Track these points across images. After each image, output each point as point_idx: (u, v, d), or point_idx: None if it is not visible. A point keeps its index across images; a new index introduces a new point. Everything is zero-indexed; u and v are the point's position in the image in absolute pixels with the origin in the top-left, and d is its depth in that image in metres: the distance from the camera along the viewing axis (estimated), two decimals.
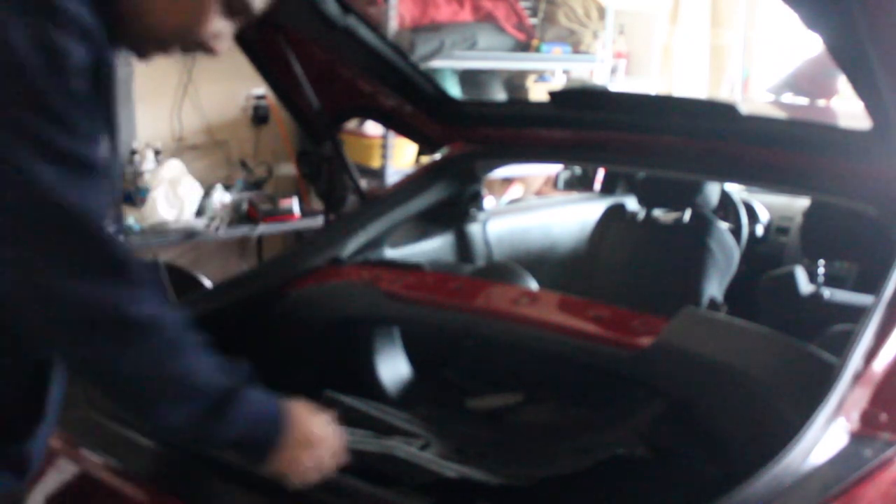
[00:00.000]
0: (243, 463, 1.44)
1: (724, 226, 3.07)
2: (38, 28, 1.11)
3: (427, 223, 2.80)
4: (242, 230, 4.55)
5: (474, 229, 2.92)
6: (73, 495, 1.69)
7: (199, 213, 4.46)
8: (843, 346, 1.55)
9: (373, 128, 4.69)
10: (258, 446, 1.33)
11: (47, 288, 1.14)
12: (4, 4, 1.11)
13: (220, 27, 1.32)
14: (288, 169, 4.97)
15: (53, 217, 1.13)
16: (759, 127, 2.28)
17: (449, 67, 4.88)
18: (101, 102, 1.21)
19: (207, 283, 3.32)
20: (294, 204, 4.65)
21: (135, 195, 4.39)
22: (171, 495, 1.55)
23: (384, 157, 4.70)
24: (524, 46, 5.04)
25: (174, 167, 4.43)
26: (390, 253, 2.57)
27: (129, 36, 1.29)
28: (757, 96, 6.34)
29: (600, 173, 3.74)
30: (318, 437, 1.39)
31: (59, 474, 1.72)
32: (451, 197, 2.75)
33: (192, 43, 1.31)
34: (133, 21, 1.26)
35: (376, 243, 2.51)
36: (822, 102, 3.85)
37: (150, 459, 1.63)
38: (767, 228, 3.40)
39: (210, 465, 1.57)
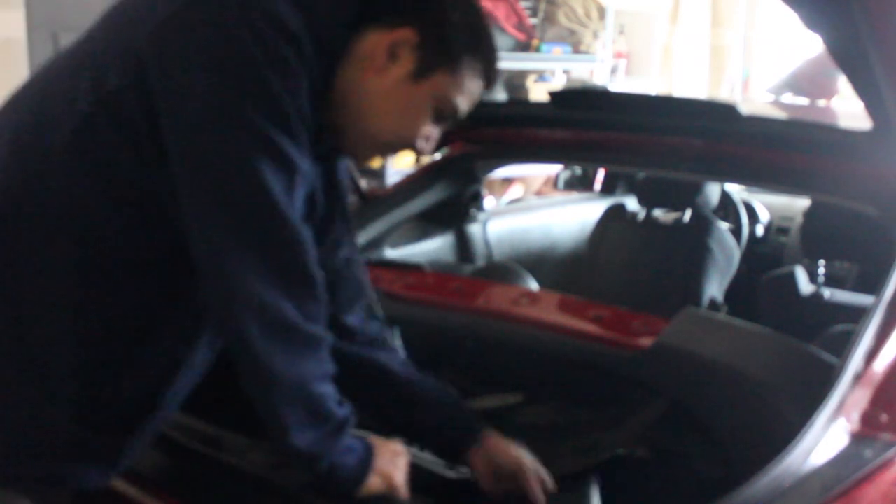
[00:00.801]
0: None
1: (724, 226, 3.07)
2: (275, 48, 1.19)
3: (427, 223, 2.80)
4: None
5: (474, 229, 2.92)
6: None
7: None
8: (843, 346, 1.55)
9: None
10: (347, 482, 1.35)
11: (251, 290, 1.20)
12: (251, 27, 1.18)
13: (431, 131, 1.41)
14: None
15: (277, 226, 1.21)
16: (759, 127, 2.28)
17: None
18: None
19: None
20: None
21: None
22: (170, 495, 1.55)
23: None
24: (524, 46, 5.04)
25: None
26: (390, 253, 2.57)
27: (345, 140, 1.38)
28: (757, 96, 6.35)
29: (600, 173, 3.74)
30: (391, 475, 1.42)
31: None
32: (451, 197, 2.75)
33: (404, 146, 1.41)
34: (350, 126, 1.36)
35: (376, 243, 2.51)
36: (822, 102, 3.86)
37: (149, 459, 1.63)
38: (767, 228, 3.40)
39: (210, 465, 1.57)
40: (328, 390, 1.30)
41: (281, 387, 1.26)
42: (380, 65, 1.32)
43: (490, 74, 1.43)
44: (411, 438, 1.66)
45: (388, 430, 1.62)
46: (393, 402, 1.63)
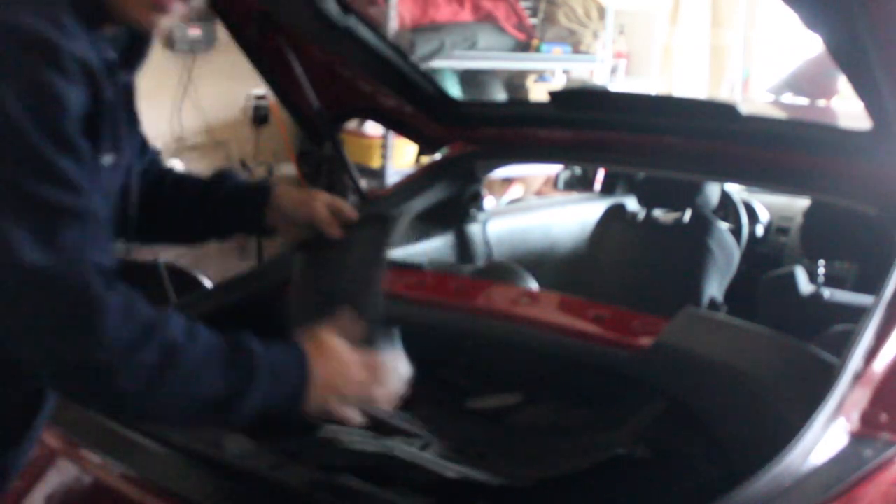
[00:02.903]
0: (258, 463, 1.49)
1: (724, 226, 3.07)
2: (35, 77, 1.11)
3: (427, 223, 2.80)
4: None
5: (474, 229, 2.92)
6: (73, 496, 1.69)
7: None
8: (843, 346, 1.55)
9: (373, 128, 4.70)
10: (287, 406, 1.28)
11: (37, 347, 1.13)
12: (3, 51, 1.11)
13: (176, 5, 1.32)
14: (288, 169, 4.97)
15: (28, 283, 1.10)
16: (759, 127, 2.28)
17: (449, 67, 4.89)
18: (103, 128, 1.22)
19: (207, 283, 3.32)
20: None
21: None
22: (170, 495, 1.55)
23: (384, 157, 4.70)
24: (524, 46, 5.05)
25: (174, 167, 4.43)
26: (390, 253, 2.57)
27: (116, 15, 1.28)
28: (757, 96, 6.35)
29: (600, 173, 3.74)
30: (348, 365, 1.35)
31: (60, 474, 1.72)
32: (451, 197, 2.75)
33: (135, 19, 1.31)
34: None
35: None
36: (822, 102, 3.86)
37: (149, 459, 1.63)
38: (767, 228, 3.40)
39: (210, 465, 1.57)
40: (188, 386, 1.19)
41: (127, 411, 1.21)
42: None
43: None
44: (214, 228, 1.68)
45: (195, 233, 1.69)
46: (190, 201, 1.64)
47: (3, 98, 1.09)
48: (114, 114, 1.26)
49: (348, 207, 1.66)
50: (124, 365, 1.13)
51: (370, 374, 1.40)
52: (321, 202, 1.64)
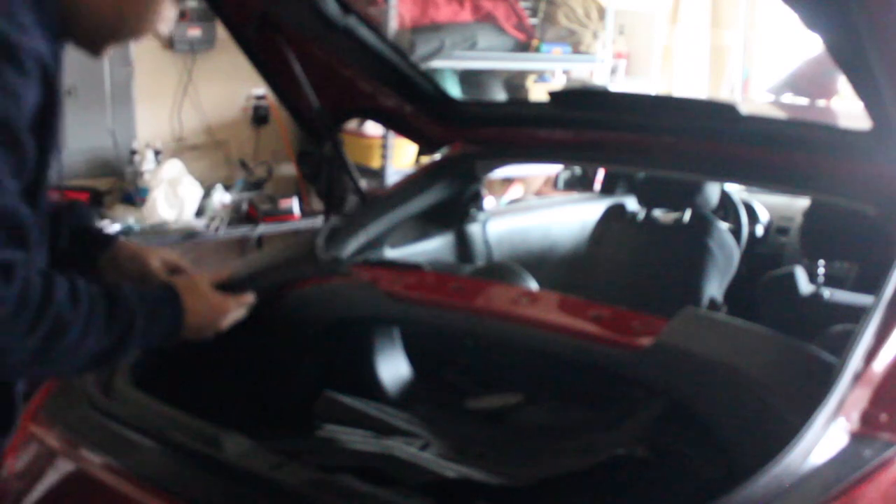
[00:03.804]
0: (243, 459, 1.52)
1: (724, 226, 3.07)
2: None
3: (427, 223, 2.80)
4: (242, 230, 4.55)
5: (474, 229, 2.92)
6: (73, 495, 1.69)
7: (199, 213, 4.47)
8: (843, 346, 1.55)
9: (373, 128, 4.70)
10: (167, 339, 1.48)
11: None
12: None
13: (170, 12, 1.45)
14: (288, 169, 4.97)
15: None
16: (759, 127, 2.28)
17: (449, 67, 4.89)
18: (47, 128, 1.28)
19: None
20: (294, 204, 4.65)
21: (135, 195, 4.39)
22: (170, 495, 1.55)
23: (384, 157, 4.70)
24: (524, 46, 5.05)
25: (174, 167, 4.43)
26: (390, 253, 2.57)
27: (80, 35, 1.38)
28: (757, 96, 6.35)
29: (600, 173, 3.74)
30: (210, 304, 1.58)
31: (60, 474, 1.72)
32: (451, 197, 2.75)
33: (144, 32, 1.44)
34: (84, 20, 1.37)
35: (376, 243, 2.51)
36: (822, 102, 3.86)
37: (149, 459, 1.63)
38: (767, 228, 3.40)
39: (210, 465, 1.57)
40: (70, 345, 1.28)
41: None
42: None
43: None
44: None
45: None
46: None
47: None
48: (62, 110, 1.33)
49: (183, 263, 1.78)
50: (18, 346, 1.23)
51: (225, 308, 1.62)
52: (156, 257, 1.75)
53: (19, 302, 1.21)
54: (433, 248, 2.78)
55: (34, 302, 1.23)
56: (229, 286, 1.72)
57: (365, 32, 2.34)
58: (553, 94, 2.56)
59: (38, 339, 1.24)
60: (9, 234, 1.22)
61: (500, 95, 5.16)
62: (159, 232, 4.25)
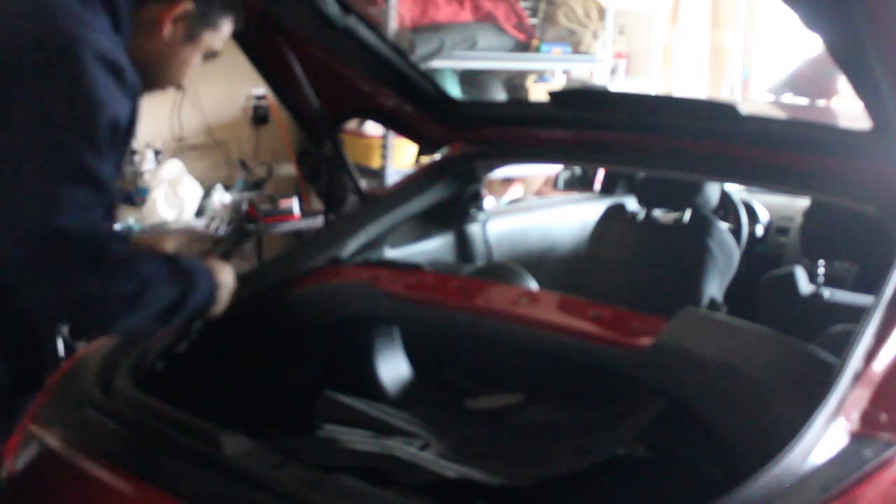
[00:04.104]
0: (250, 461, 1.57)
1: (724, 226, 3.07)
2: (110, 89, 1.49)
3: (427, 223, 2.80)
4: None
5: (474, 229, 2.92)
6: (73, 495, 1.69)
7: (199, 213, 4.46)
8: (843, 346, 1.55)
9: (373, 128, 4.69)
10: (207, 306, 1.73)
11: (53, 287, 1.45)
12: (97, 67, 1.48)
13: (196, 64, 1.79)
14: (288, 169, 4.97)
15: (61, 236, 1.43)
16: (759, 127, 2.28)
17: (449, 67, 4.88)
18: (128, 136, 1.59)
19: None
20: (294, 204, 4.65)
21: (135, 195, 4.39)
22: (170, 495, 1.55)
23: (384, 157, 4.70)
24: (524, 46, 5.04)
25: (174, 167, 4.43)
26: (390, 253, 2.57)
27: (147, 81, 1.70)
28: (757, 96, 6.35)
29: (600, 173, 3.74)
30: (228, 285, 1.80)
31: (59, 474, 1.72)
32: (451, 197, 2.75)
33: (170, 85, 1.80)
34: (150, 76, 1.70)
35: (376, 243, 2.51)
36: (822, 102, 3.86)
37: (149, 459, 1.63)
38: (767, 228, 3.40)
39: (210, 465, 1.57)
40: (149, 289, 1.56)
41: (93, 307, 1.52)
42: (165, 32, 1.68)
43: (238, 16, 1.82)
44: None
45: None
46: None
47: (89, 97, 1.46)
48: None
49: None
50: (114, 296, 1.50)
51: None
52: (172, 241, 2.01)
53: (121, 266, 1.50)
54: (433, 248, 2.78)
55: (129, 260, 1.53)
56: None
57: (365, 32, 2.34)
58: (553, 94, 2.56)
59: (130, 291, 1.51)
60: (111, 211, 1.53)
61: (500, 95, 5.16)
62: (159, 232, 4.25)
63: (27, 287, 1.46)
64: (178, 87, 1.80)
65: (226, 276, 1.79)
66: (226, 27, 1.80)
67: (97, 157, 1.46)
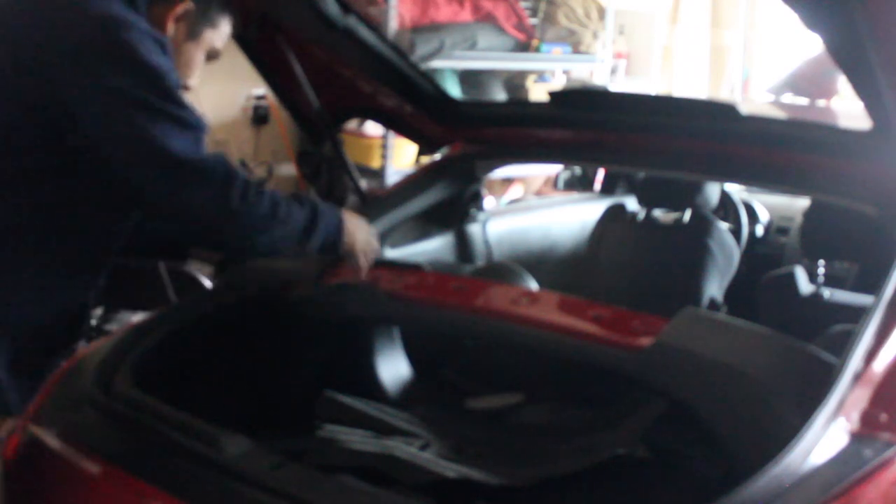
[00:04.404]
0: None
1: (724, 226, 3.07)
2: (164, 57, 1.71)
3: (427, 223, 2.80)
4: None
5: (474, 229, 2.92)
6: (73, 495, 1.69)
7: None
8: (843, 346, 1.55)
9: (373, 128, 4.70)
10: (328, 246, 1.92)
11: (194, 208, 1.72)
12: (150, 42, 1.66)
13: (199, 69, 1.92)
14: (288, 169, 4.97)
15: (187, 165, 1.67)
16: (759, 127, 2.28)
17: (449, 67, 4.89)
18: None
19: (207, 283, 3.32)
20: None
21: None
22: (170, 495, 1.55)
23: (384, 157, 4.70)
24: (524, 46, 5.04)
25: None
26: (390, 253, 2.57)
27: None
28: (757, 96, 6.35)
29: (600, 173, 3.74)
30: (361, 234, 2.01)
31: (59, 474, 1.72)
32: (451, 197, 2.75)
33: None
34: None
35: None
36: (822, 102, 3.86)
37: (149, 459, 1.63)
38: (767, 228, 3.40)
39: (210, 465, 1.57)
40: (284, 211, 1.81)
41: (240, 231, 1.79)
42: (168, 31, 1.79)
43: (233, 16, 1.91)
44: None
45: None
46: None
47: (153, 64, 1.64)
48: None
49: None
50: (248, 215, 1.72)
51: (372, 245, 2.06)
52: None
53: (245, 182, 1.72)
54: (433, 248, 2.78)
55: (252, 182, 1.74)
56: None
57: (365, 32, 2.34)
58: (553, 95, 2.56)
59: (266, 206, 1.73)
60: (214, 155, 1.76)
61: (500, 95, 5.16)
62: None
63: (184, 210, 1.71)
64: (185, 87, 1.85)
65: (355, 219, 2.00)
66: (225, 26, 1.87)
67: (180, 106, 1.69)
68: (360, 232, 2.00)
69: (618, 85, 5.87)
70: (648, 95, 3.46)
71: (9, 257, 1.66)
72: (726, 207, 3.29)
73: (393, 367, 2.31)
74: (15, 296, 1.67)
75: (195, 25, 1.81)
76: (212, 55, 1.90)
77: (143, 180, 1.67)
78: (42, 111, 1.62)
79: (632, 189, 3.45)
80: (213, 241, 1.91)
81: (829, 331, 2.06)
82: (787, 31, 6.41)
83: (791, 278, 2.85)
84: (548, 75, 5.45)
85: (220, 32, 1.87)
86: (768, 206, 3.43)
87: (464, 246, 2.89)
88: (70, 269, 1.73)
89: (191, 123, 1.69)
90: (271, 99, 4.76)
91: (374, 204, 2.60)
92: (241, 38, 2.40)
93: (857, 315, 1.65)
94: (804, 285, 2.85)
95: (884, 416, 1.46)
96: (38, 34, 1.64)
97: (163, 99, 1.64)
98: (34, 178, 1.65)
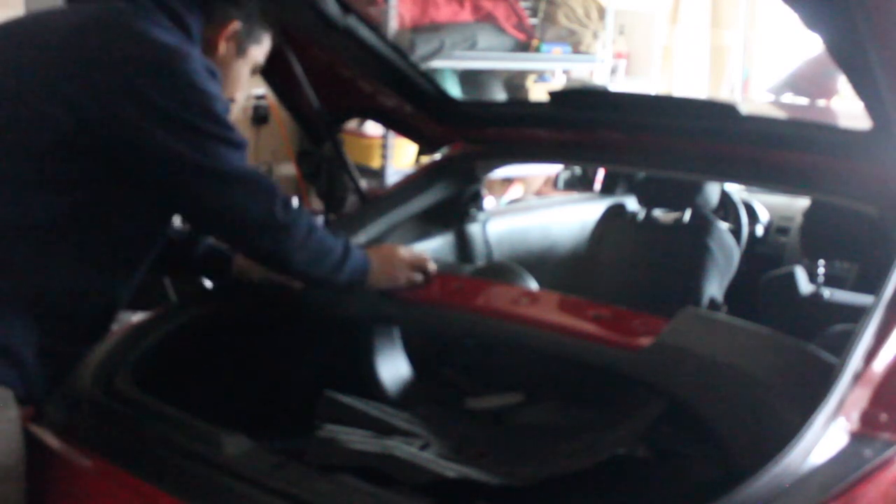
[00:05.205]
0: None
1: (724, 226, 3.07)
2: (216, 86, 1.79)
3: (427, 223, 2.80)
4: None
5: (474, 229, 2.92)
6: (73, 495, 1.69)
7: None
8: (843, 346, 1.55)
9: (373, 128, 4.70)
10: (356, 283, 1.99)
11: (245, 217, 1.81)
12: (202, 71, 1.74)
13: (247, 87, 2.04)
14: (288, 169, 4.97)
15: (241, 176, 1.78)
16: (759, 127, 2.28)
17: (449, 67, 4.89)
18: None
19: (208, 283, 3.32)
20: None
21: None
22: (170, 495, 1.55)
23: (384, 157, 4.70)
24: (524, 46, 5.04)
25: None
26: None
27: None
28: (757, 96, 6.35)
29: (600, 173, 3.74)
30: (390, 269, 2.07)
31: (60, 474, 1.72)
32: (451, 197, 2.75)
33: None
34: None
35: (376, 243, 2.51)
36: (822, 102, 3.86)
37: (149, 459, 1.63)
38: (767, 228, 3.40)
39: (210, 465, 1.57)
40: (323, 244, 1.92)
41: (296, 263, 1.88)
42: (220, 50, 1.89)
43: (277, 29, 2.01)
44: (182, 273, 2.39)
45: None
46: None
47: (208, 91, 1.73)
48: None
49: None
50: (289, 228, 1.82)
51: (407, 264, 2.11)
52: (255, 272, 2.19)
53: (286, 200, 1.83)
54: (433, 248, 2.78)
55: (292, 203, 1.85)
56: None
57: (365, 32, 2.34)
58: (553, 94, 2.56)
59: (304, 226, 1.84)
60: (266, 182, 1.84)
61: (500, 95, 5.16)
62: None
63: (233, 221, 1.81)
64: (232, 100, 1.97)
65: (379, 256, 2.07)
66: (266, 41, 1.97)
67: (229, 129, 1.78)
68: (385, 269, 2.07)
69: (618, 85, 5.87)
70: (648, 95, 3.46)
71: (47, 249, 1.69)
72: (726, 207, 3.29)
73: (393, 367, 2.31)
74: (50, 287, 1.70)
75: (242, 43, 1.92)
76: (256, 69, 2.02)
77: (198, 194, 1.78)
78: (95, 127, 1.67)
79: (632, 189, 3.45)
80: (253, 254, 1.96)
81: (829, 331, 2.06)
82: (787, 31, 6.42)
83: (791, 278, 2.85)
84: (548, 75, 5.45)
85: (263, 47, 1.97)
86: (768, 206, 3.43)
87: (464, 246, 2.89)
88: (104, 268, 1.77)
89: (238, 143, 1.79)
90: (271, 99, 4.76)
91: (374, 204, 2.60)
92: None
93: (857, 315, 1.65)
94: (804, 285, 2.85)
95: (884, 416, 1.46)
96: (98, 56, 1.70)
97: (215, 123, 1.75)
98: (76, 181, 1.70)
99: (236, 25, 1.89)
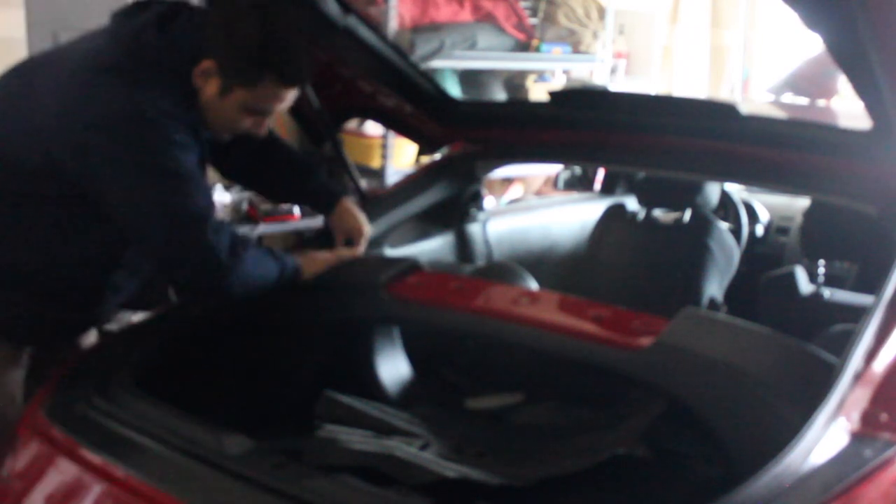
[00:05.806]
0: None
1: (724, 226, 3.07)
2: (174, 139, 1.89)
3: (427, 223, 2.80)
4: (242, 230, 4.54)
5: (474, 229, 2.92)
6: (73, 495, 1.69)
7: None
8: (843, 346, 1.55)
9: (373, 128, 4.69)
10: (291, 282, 2.12)
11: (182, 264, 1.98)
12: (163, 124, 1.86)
13: (255, 122, 2.01)
14: None
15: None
16: (759, 127, 2.28)
17: (449, 67, 4.88)
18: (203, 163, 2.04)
19: None
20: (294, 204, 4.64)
21: None
22: (170, 495, 1.55)
23: (384, 157, 4.70)
24: (524, 46, 5.04)
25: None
26: (390, 253, 2.57)
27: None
28: (757, 96, 6.35)
29: (600, 173, 3.74)
30: (315, 266, 2.20)
31: (60, 474, 1.72)
32: (451, 197, 2.75)
33: (238, 132, 2.05)
34: (207, 124, 2.00)
35: (376, 243, 2.51)
36: (822, 102, 3.86)
37: (149, 459, 1.63)
38: (767, 228, 3.40)
39: (210, 465, 1.57)
40: (264, 273, 2.06)
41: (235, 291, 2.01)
42: (198, 87, 1.93)
43: (288, 77, 1.94)
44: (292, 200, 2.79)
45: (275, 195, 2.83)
46: (280, 174, 2.38)
47: (167, 151, 1.87)
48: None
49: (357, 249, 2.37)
50: (232, 269, 1.95)
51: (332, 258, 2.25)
52: (367, 232, 2.37)
53: (230, 250, 1.95)
54: (433, 248, 2.78)
55: (237, 249, 1.97)
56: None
57: (365, 32, 2.34)
58: (553, 94, 2.56)
59: (249, 285, 1.99)
60: (215, 227, 1.94)
61: (500, 95, 5.16)
62: None
63: (173, 261, 1.97)
64: (228, 134, 2.06)
65: (309, 260, 2.20)
66: (269, 85, 1.92)
67: (189, 183, 1.89)
68: (310, 268, 2.19)
69: (618, 85, 5.87)
70: (648, 95, 3.46)
71: (32, 224, 1.95)
72: (726, 207, 3.29)
73: (393, 367, 2.31)
74: (32, 266, 1.97)
75: (225, 83, 1.92)
76: (256, 112, 1.99)
77: (147, 235, 1.95)
78: (61, 169, 1.87)
79: (632, 189, 3.45)
80: (193, 290, 2.14)
81: (829, 331, 2.06)
82: (787, 31, 6.42)
83: (791, 278, 2.85)
84: (548, 75, 5.45)
85: (260, 93, 1.94)
86: (768, 206, 3.43)
87: (464, 246, 2.89)
88: (82, 262, 2.00)
89: (195, 215, 1.91)
90: None
91: (374, 204, 2.60)
92: None
93: (857, 315, 1.65)
94: (804, 285, 2.85)
95: (884, 416, 1.46)
96: (72, 107, 1.84)
97: (173, 194, 1.88)
98: (47, 201, 1.93)
99: (206, 64, 1.90)
